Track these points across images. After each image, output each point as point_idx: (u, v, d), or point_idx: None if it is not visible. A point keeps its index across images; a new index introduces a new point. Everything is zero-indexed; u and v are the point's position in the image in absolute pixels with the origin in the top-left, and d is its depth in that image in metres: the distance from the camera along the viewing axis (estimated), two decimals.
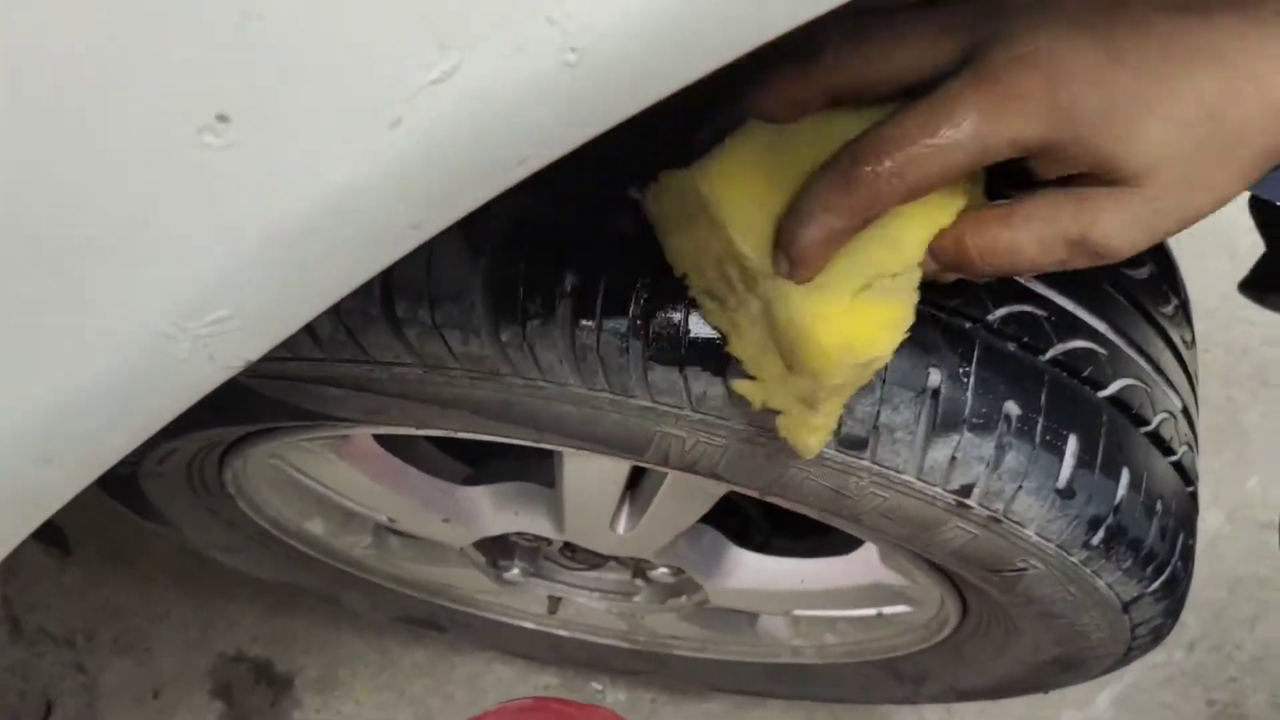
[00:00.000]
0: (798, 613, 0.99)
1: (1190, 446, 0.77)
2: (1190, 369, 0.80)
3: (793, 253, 0.48)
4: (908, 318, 0.52)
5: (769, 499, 0.71)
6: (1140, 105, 0.46)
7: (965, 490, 0.64)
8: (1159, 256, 0.77)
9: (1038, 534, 0.67)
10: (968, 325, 0.63)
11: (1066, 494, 0.65)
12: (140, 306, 0.32)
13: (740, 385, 0.57)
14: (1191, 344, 0.81)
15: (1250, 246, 0.75)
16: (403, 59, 0.28)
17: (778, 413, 0.56)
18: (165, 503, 0.98)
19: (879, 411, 0.61)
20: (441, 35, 0.28)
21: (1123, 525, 0.69)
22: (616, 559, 1.04)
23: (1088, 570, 0.71)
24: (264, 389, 0.68)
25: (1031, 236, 0.50)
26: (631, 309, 0.59)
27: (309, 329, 0.62)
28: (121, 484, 0.92)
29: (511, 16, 0.28)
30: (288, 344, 0.63)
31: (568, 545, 1.03)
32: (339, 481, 0.90)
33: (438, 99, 0.29)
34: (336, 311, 0.61)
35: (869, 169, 0.46)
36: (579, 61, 0.29)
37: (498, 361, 0.60)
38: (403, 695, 1.41)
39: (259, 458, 0.90)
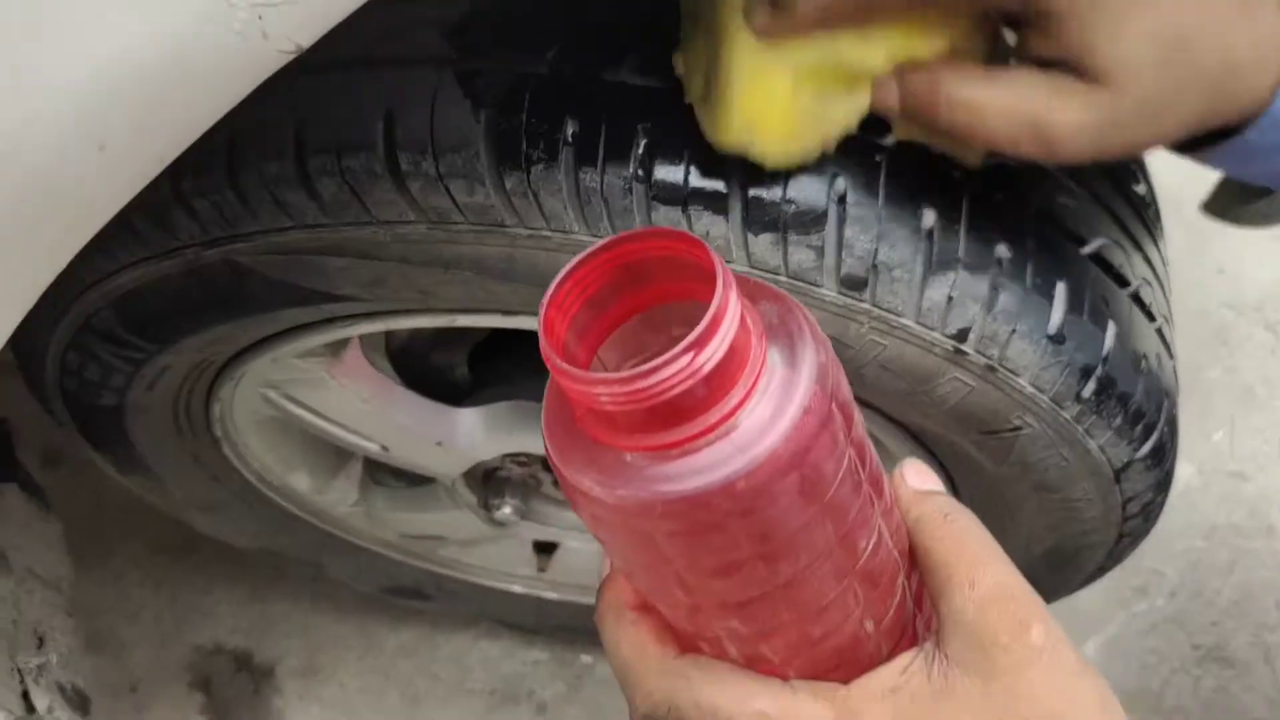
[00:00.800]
0: None
1: (1168, 321, 0.80)
2: (1162, 255, 0.83)
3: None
4: (825, 137, 0.55)
5: None
6: (1127, 5, 0.50)
7: (962, 334, 0.65)
8: None
9: (1032, 384, 0.69)
10: (956, 173, 0.65)
11: (1057, 339, 0.67)
12: None
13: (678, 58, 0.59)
14: (1162, 235, 0.83)
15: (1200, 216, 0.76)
16: None
17: None
18: (151, 448, 0.97)
19: (877, 249, 0.62)
20: None
21: (1112, 377, 0.70)
22: None
23: (1080, 429, 0.72)
24: (266, 269, 0.68)
25: (1003, 104, 0.53)
26: (634, 151, 0.60)
27: (313, 192, 0.63)
28: (107, 423, 0.91)
29: None
30: (291, 211, 0.65)
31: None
32: (331, 407, 0.90)
33: None
34: (340, 171, 0.62)
35: None
36: None
37: (502, 211, 0.61)
38: (388, 678, 1.39)
39: (249, 387, 0.89)
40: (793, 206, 0.61)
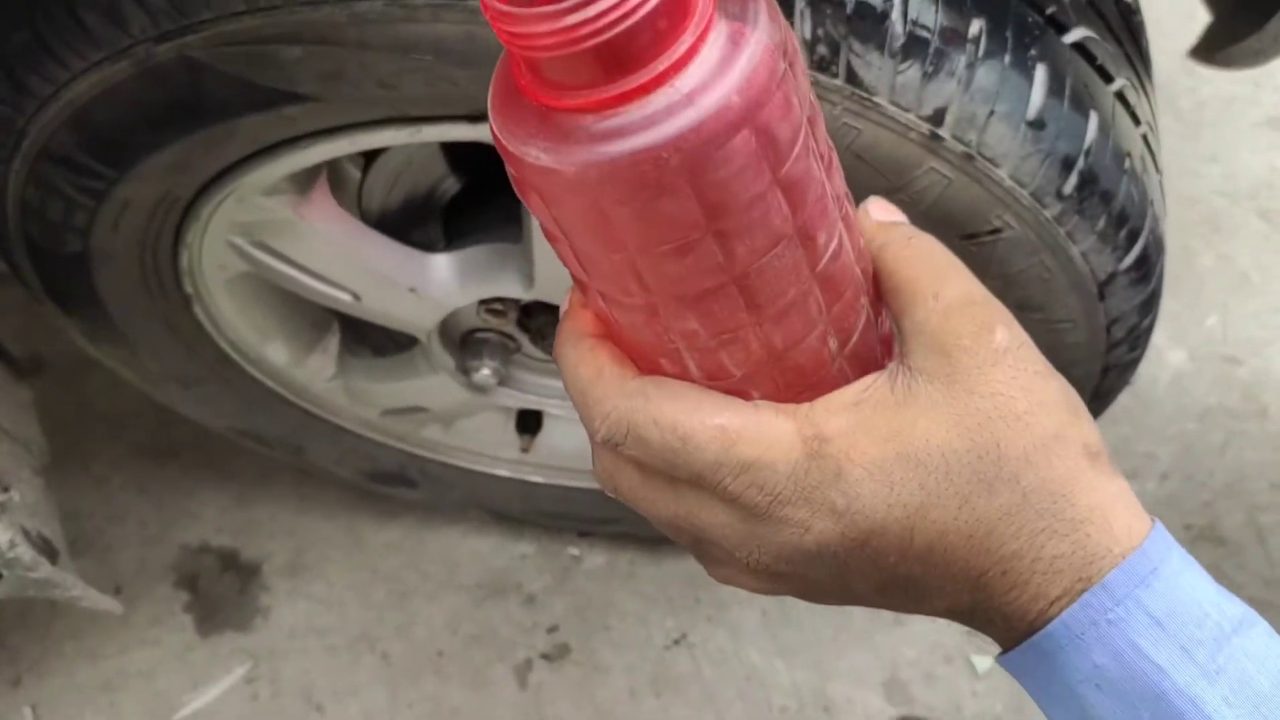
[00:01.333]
0: None
1: (1153, 130, 0.78)
2: (1148, 61, 0.80)
3: None
4: None
5: None
6: None
7: (938, 116, 0.64)
8: None
9: (1011, 176, 0.67)
10: None
11: (1037, 124, 0.65)
12: None
13: None
14: (1147, 43, 0.81)
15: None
16: None
17: None
18: (121, 309, 0.95)
19: (849, 17, 0.60)
20: None
21: (1094, 172, 0.69)
22: None
23: (1062, 231, 0.71)
24: (222, 62, 0.66)
25: None
26: None
27: None
28: (73, 276, 0.89)
29: None
30: None
31: (538, 335, 1.01)
32: (301, 252, 0.88)
33: None
34: None
35: None
36: None
37: None
38: (375, 573, 1.38)
39: (216, 233, 0.87)
40: None
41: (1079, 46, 0.68)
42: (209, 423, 1.18)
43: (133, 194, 0.79)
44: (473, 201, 0.95)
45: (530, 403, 1.10)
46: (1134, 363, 0.87)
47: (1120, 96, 0.71)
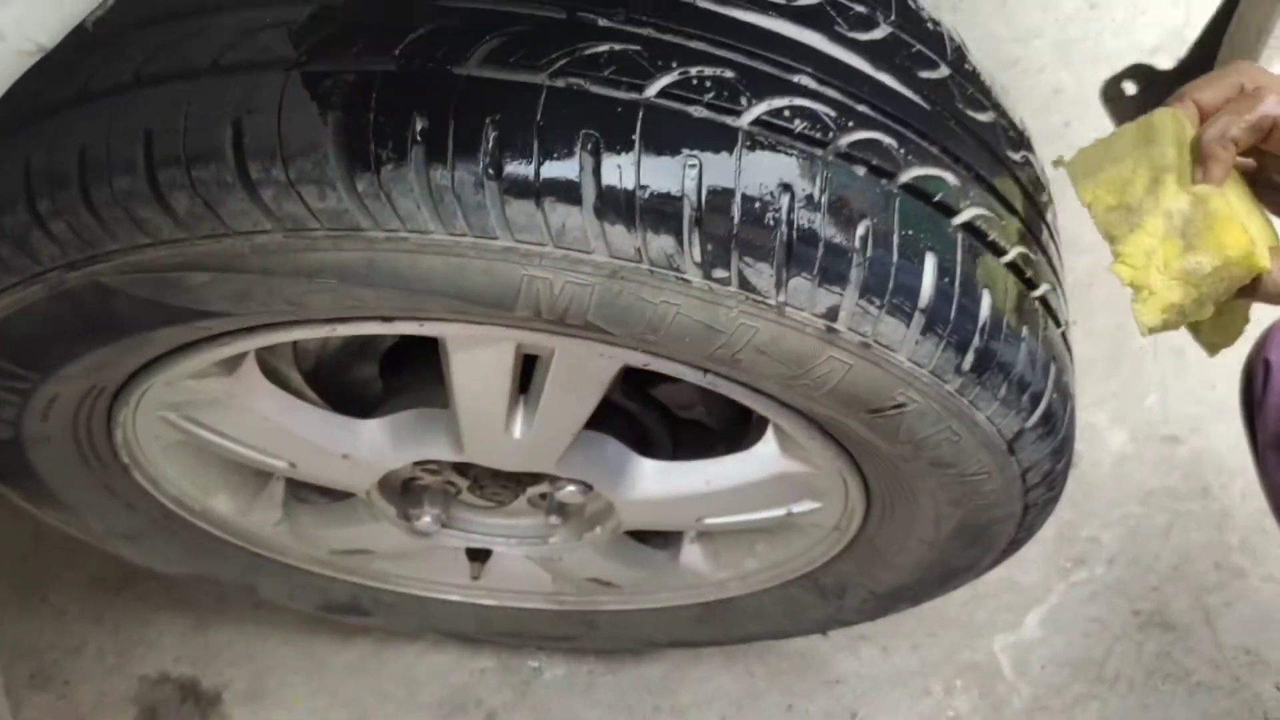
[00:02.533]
0: (710, 521, 0.99)
1: (1055, 288, 0.80)
2: (1050, 221, 0.83)
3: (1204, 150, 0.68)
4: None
5: (648, 353, 0.72)
6: None
7: (832, 314, 0.66)
8: (1001, 109, 0.80)
9: (910, 359, 0.69)
10: (818, 150, 0.65)
11: (929, 310, 0.67)
12: None
13: (1119, 268, 0.73)
14: (1050, 203, 0.84)
15: None
16: None
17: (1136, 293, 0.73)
18: (59, 481, 0.96)
19: (735, 233, 0.62)
20: None
21: (990, 348, 0.71)
22: (525, 491, 1.03)
23: (965, 401, 0.73)
24: (131, 288, 0.67)
25: None
26: (483, 146, 0.60)
27: (166, 207, 0.62)
28: (8, 456, 0.90)
29: None
30: (147, 228, 0.64)
31: (476, 484, 1.02)
32: (233, 426, 0.90)
33: None
34: (191, 183, 0.61)
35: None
36: None
37: (357, 215, 0.61)
38: (335, 697, 1.38)
39: (148, 411, 0.88)
40: (646, 193, 0.61)
41: (968, 226, 0.70)
42: (159, 569, 1.18)
43: (58, 390, 0.80)
44: (405, 359, 0.96)
45: (475, 541, 1.11)
46: (1055, 499, 0.89)
47: (1014, 267, 0.74)
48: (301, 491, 1.12)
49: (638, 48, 0.63)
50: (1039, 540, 1.41)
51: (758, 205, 0.63)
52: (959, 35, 0.79)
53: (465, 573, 1.20)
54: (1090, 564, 1.42)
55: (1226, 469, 1.47)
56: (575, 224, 0.61)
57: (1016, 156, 0.79)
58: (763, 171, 0.63)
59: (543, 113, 0.60)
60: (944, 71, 0.74)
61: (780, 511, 0.97)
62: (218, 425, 0.90)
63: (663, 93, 0.62)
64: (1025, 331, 0.73)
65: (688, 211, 0.62)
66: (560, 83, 0.61)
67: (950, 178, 0.70)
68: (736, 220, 0.62)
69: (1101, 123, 1.00)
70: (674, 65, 0.63)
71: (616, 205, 0.61)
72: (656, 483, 0.95)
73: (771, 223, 0.63)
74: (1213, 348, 0.79)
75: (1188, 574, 1.40)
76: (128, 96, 0.63)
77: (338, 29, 0.62)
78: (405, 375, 0.95)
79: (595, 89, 0.61)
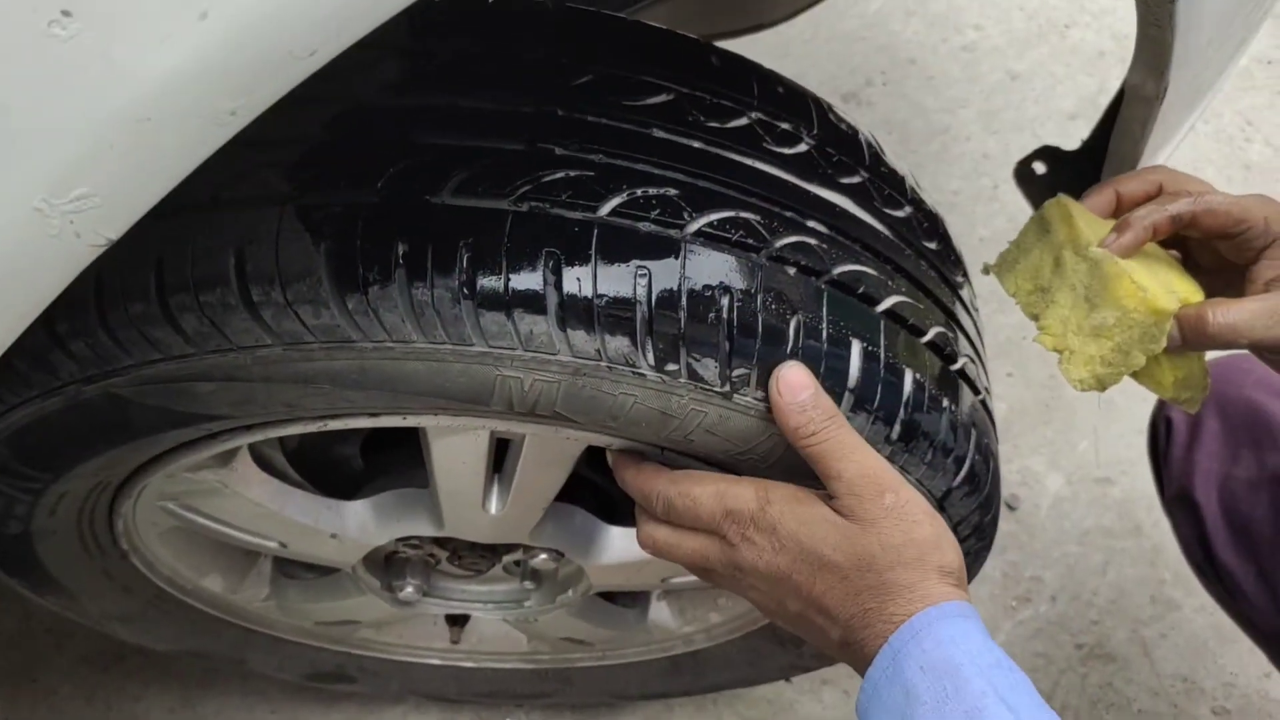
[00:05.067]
0: (675, 580, 1.07)
1: (972, 360, 0.89)
2: (965, 297, 0.92)
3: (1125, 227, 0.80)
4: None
5: (610, 436, 0.80)
6: None
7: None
8: (916, 201, 0.89)
9: None
10: (753, 255, 0.74)
11: (858, 390, 0.76)
12: (12, 185, 0.40)
13: (1042, 338, 0.82)
14: (965, 280, 0.93)
15: None
16: None
17: (1061, 356, 0.82)
18: (61, 569, 1.02)
19: (683, 331, 0.71)
20: None
21: (914, 420, 0.79)
22: (501, 559, 1.10)
23: (895, 465, 0.81)
24: (144, 398, 0.74)
25: (1259, 308, 0.78)
26: (458, 266, 0.68)
27: (176, 327, 0.70)
28: (17, 551, 0.96)
29: None
30: (159, 346, 0.72)
31: (455, 555, 1.09)
32: (228, 512, 0.96)
33: None
34: (199, 306, 0.69)
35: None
36: None
37: (348, 329, 0.69)
38: None
39: (148, 501, 0.95)
40: (603, 300, 0.69)
41: (890, 313, 0.79)
42: (152, 646, 1.24)
43: (68, 487, 0.87)
44: (387, 442, 1.03)
45: (454, 608, 1.18)
46: (986, 548, 0.98)
47: (933, 345, 0.82)
48: (289, 568, 1.18)
49: (591, 173, 0.71)
50: (988, 581, 1.51)
51: (701, 306, 0.71)
52: (875, 139, 0.89)
53: (445, 637, 1.27)
54: (1034, 602, 1.51)
55: (1156, 508, 1.55)
56: (541, 330, 0.69)
57: (932, 244, 0.88)
58: (705, 276, 0.71)
59: (509, 235, 0.68)
60: (862, 176, 0.83)
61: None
62: (214, 512, 0.96)
63: (614, 211, 0.70)
64: (946, 402, 0.82)
65: (640, 315, 0.70)
66: (524, 207, 0.69)
67: (872, 271, 0.79)
68: (683, 320, 0.71)
69: None
70: (623, 187, 0.71)
71: (577, 312, 0.69)
72: (623, 548, 1.03)
73: (714, 320, 0.71)
74: (1190, 404, 0.87)
75: (1125, 608, 1.49)
76: (137, 228, 0.71)
77: (325, 166, 0.71)
78: (385, 457, 1.02)
79: (555, 211, 0.70)
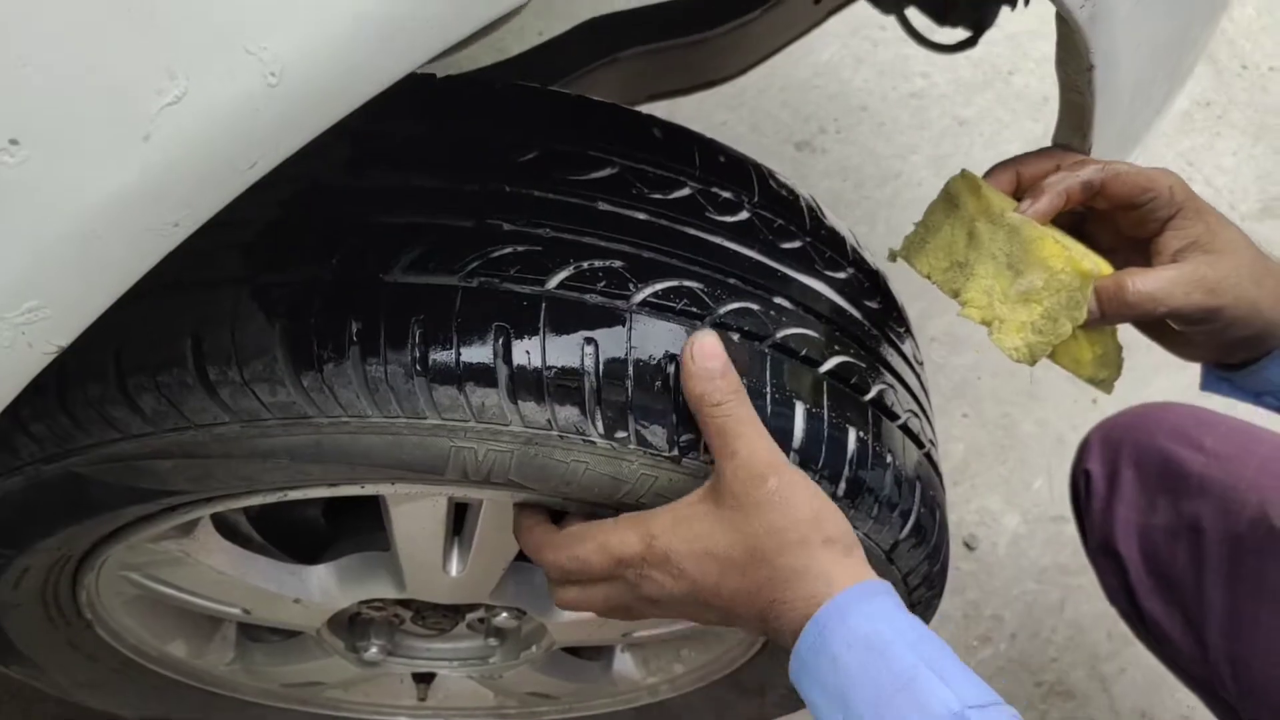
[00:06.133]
0: (637, 634, 1.09)
1: (916, 414, 0.92)
2: (908, 351, 0.95)
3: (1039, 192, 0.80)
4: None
5: (568, 507, 0.82)
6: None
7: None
8: (858, 261, 0.92)
9: None
10: (697, 323, 0.76)
11: (803, 450, 0.78)
12: None
13: (967, 311, 0.81)
14: (908, 333, 0.96)
15: None
16: (145, 86, 0.40)
17: (989, 329, 0.80)
18: (26, 640, 1.02)
19: (630, 399, 0.73)
20: (170, 67, 0.40)
21: (859, 476, 0.82)
22: (464, 618, 1.12)
23: None
24: (103, 475, 0.76)
25: (1174, 276, 0.79)
26: (411, 342, 0.70)
27: (135, 407, 0.71)
28: None
29: (221, 50, 0.40)
30: (118, 425, 0.73)
31: (418, 614, 1.11)
32: (191, 580, 0.97)
33: (176, 116, 0.40)
34: (156, 386, 0.70)
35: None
36: (279, 82, 0.41)
37: (304, 406, 0.71)
38: None
39: (111, 571, 0.96)
40: (552, 372, 0.71)
41: (832, 374, 0.82)
42: (118, 712, 1.24)
43: (30, 562, 0.88)
44: (348, 506, 1.05)
45: (420, 666, 1.19)
46: (937, 596, 1.00)
47: (877, 403, 0.85)
48: (254, 631, 1.19)
49: (539, 247, 0.74)
50: (949, 620, 1.53)
51: (648, 375, 0.73)
52: (815, 201, 0.92)
53: (413, 695, 1.27)
54: (995, 641, 1.53)
55: None
56: (493, 402, 0.71)
57: (873, 303, 0.91)
58: (651, 344, 0.74)
59: (459, 310, 0.70)
60: (803, 240, 0.86)
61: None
62: (177, 581, 0.97)
63: (561, 284, 0.73)
64: (890, 458, 0.84)
65: (589, 384, 0.72)
66: (474, 283, 0.71)
67: (813, 333, 0.81)
68: (631, 389, 0.73)
69: None
70: (570, 260, 0.73)
71: (527, 384, 0.71)
72: None
73: (660, 388, 0.74)
74: (1106, 385, 0.86)
75: (1083, 644, 1.52)
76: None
77: (280, 245, 0.73)
78: (347, 519, 1.03)
79: (504, 286, 0.72)
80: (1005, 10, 1.27)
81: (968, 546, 1.60)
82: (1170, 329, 0.89)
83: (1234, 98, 2.16)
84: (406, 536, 0.90)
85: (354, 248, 0.72)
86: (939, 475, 0.95)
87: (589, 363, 0.72)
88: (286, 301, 0.70)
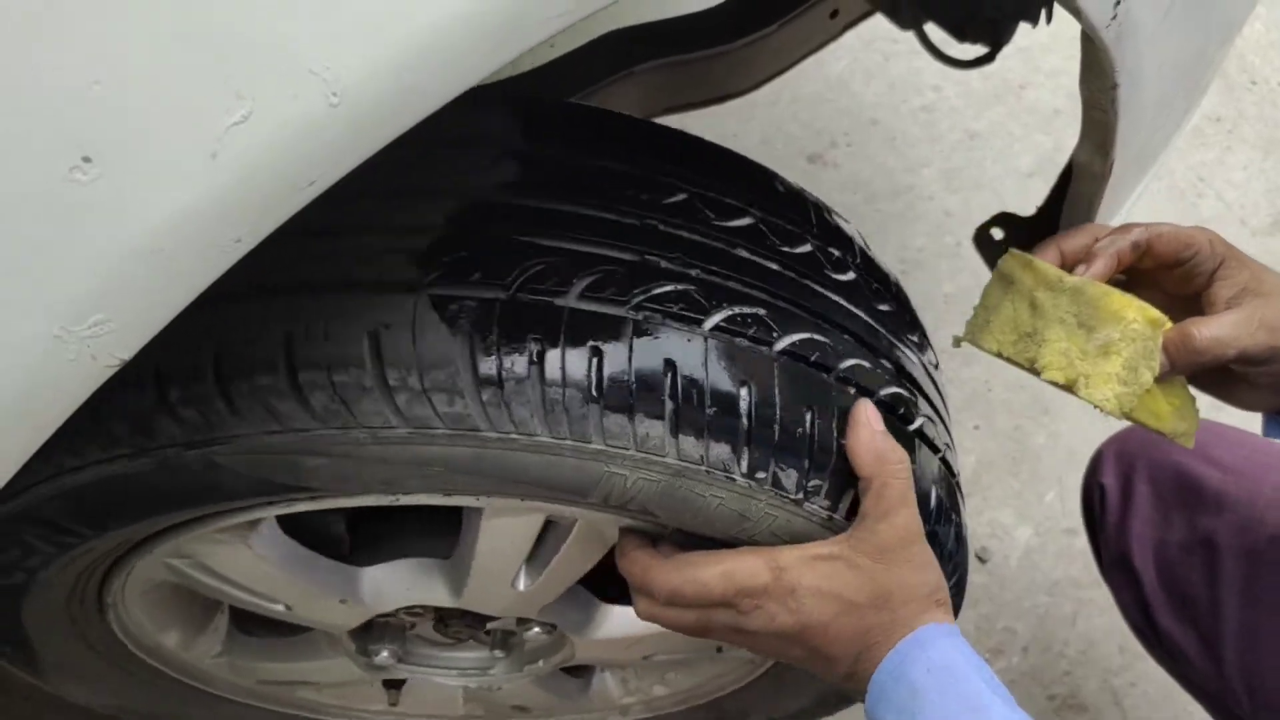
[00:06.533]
0: (659, 657, 1.09)
1: (931, 419, 0.92)
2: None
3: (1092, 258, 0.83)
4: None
5: (690, 531, 0.83)
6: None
7: (833, 506, 0.79)
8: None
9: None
10: (825, 374, 0.78)
11: None
12: (34, 317, 0.42)
13: (1049, 375, 0.82)
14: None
15: None
16: (214, 106, 0.41)
17: (1073, 388, 0.82)
18: (34, 620, 0.94)
19: (777, 437, 0.75)
20: (237, 87, 0.40)
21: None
22: (484, 628, 1.12)
23: None
24: (241, 466, 0.72)
25: (1235, 319, 0.82)
26: (590, 369, 0.70)
27: (304, 402, 0.69)
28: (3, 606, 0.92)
29: (285, 71, 0.41)
30: (280, 418, 0.71)
31: (440, 621, 1.11)
32: (241, 572, 0.93)
33: (241, 135, 0.41)
34: (331, 385, 0.69)
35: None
36: (340, 102, 0.42)
37: (478, 419, 0.70)
38: None
39: (157, 558, 0.89)
40: (714, 410, 0.73)
41: (883, 402, 0.82)
42: (85, 702, 1.18)
43: (99, 545, 0.82)
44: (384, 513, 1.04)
45: (424, 674, 1.17)
46: (956, 606, 1.00)
47: (921, 434, 0.86)
48: (248, 625, 1.14)
49: (692, 287, 0.75)
50: (963, 633, 1.53)
51: (792, 420, 0.75)
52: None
53: (383, 700, 1.26)
54: (1008, 654, 1.53)
55: None
56: (657, 434, 0.71)
57: (884, 306, 0.92)
58: (793, 392, 0.76)
59: (632, 342, 0.71)
60: (892, 304, 0.89)
61: (714, 649, 1.08)
62: (226, 572, 0.93)
63: (718, 327, 0.74)
64: (932, 490, 0.85)
65: (743, 425, 0.74)
66: (640, 315, 0.72)
67: (905, 393, 0.84)
68: (778, 432, 0.75)
69: None
70: (723, 303, 0.75)
71: (691, 420, 0.72)
72: (617, 624, 1.06)
73: (800, 435, 0.76)
74: (1186, 438, 0.87)
75: (1095, 658, 1.52)
76: (263, 302, 0.71)
77: (455, 258, 0.72)
78: (382, 526, 1.02)
79: (667, 322, 0.73)
80: (1022, 26, 1.28)
81: (980, 559, 1.60)
82: (1231, 381, 0.91)
83: (1244, 112, 2.18)
84: (490, 550, 0.89)
85: (531, 269, 0.72)
86: (961, 498, 0.96)
87: (744, 405, 0.73)
88: (468, 315, 0.70)
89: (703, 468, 0.73)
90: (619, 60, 1.38)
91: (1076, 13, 0.72)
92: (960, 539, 0.93)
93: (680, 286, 0.74)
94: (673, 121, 1.05)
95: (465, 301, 0.69)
